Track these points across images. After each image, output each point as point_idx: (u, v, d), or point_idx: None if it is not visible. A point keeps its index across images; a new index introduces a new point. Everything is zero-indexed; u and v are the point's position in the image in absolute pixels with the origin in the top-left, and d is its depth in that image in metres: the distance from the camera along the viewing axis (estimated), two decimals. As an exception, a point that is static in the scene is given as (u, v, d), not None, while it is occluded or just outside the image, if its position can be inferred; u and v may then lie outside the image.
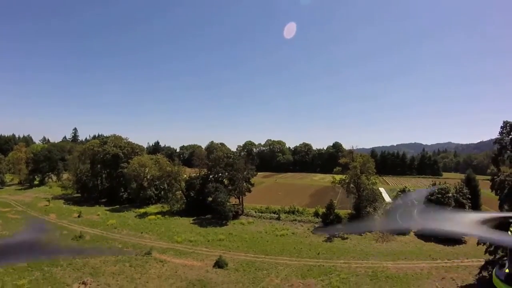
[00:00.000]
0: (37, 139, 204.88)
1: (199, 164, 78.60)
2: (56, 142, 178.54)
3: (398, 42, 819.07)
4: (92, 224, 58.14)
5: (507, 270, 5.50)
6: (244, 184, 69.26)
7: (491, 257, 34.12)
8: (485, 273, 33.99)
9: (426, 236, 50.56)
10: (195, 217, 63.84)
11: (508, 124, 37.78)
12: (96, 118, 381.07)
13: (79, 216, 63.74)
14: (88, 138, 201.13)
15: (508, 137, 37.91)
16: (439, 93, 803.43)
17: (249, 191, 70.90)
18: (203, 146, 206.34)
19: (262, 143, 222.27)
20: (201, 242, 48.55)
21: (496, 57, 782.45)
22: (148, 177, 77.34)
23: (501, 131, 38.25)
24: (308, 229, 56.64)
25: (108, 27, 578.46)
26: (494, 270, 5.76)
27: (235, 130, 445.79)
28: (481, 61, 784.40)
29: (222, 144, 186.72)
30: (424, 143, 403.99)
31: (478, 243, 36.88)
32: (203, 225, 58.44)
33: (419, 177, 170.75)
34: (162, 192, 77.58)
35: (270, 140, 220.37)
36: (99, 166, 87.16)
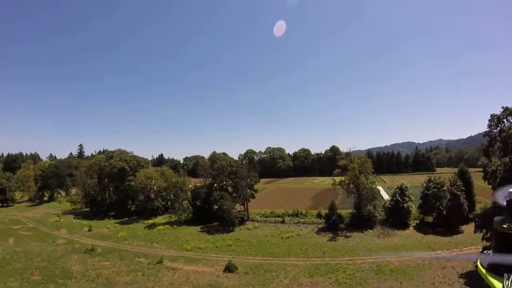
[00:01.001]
0: (43, 156, 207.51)
1: (204, 174, 79.70)
2: (62, 158, 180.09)
3: (388, 42, 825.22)
4: (103, 237, 59.53)
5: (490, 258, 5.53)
6: (248, 190, 70.75)
7: (488, 244, 34.97)
8: None
9: (425, 229, 51.97)
10: (202, 225, 65.22)
11: (495, 117, 39.11)
12: (100, 135, 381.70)
13: (89, 230, 65.21)
14: (93, 153, 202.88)
15: (496, 129, 39.28)
16: (429, 92, 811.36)
17: (253, 197, 72.40)
18: (206, 157, 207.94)
19: (263, 150, 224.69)
20: (210, 248, 49.81)
21: (478, 53, 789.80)
22: (155, 188, 78.83)
23: (489, 123, 39.54)
24: (312, 230, 58.16)
25: (104, 44, 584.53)
26: (478, 259, 5.84)
27: (236, 139, 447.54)
28: (464, 59, 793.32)
29: (224, 153, 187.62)
30: (416, 142, 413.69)
31: (475, 231, 37.95)
32: (210, 233, 59.86)
33: (414, 174, 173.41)
34: (169, 203, 78.93)
35: (270, 147, 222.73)
36: (106, 180, 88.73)
